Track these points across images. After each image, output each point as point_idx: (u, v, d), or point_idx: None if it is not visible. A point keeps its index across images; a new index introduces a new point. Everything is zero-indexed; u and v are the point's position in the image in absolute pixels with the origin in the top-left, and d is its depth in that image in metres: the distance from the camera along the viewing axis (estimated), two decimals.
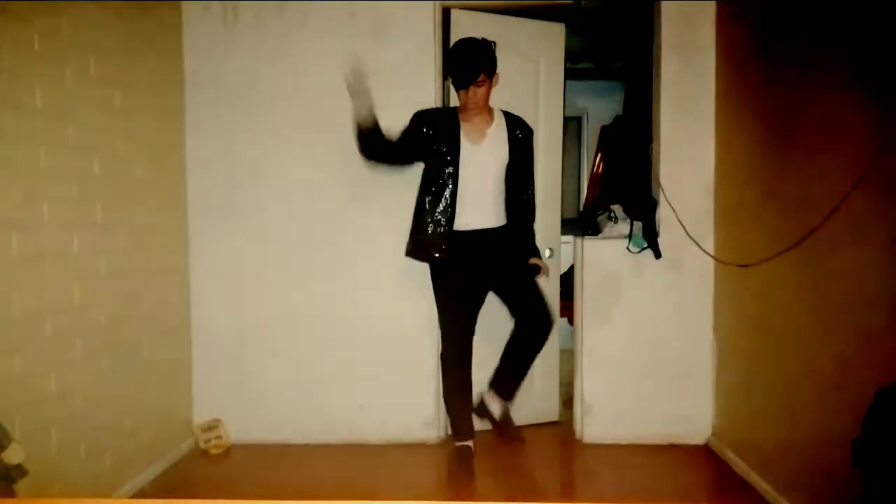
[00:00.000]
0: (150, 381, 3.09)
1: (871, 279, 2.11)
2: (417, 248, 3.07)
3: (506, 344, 3.12)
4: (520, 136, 3.06)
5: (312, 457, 3.37)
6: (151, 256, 3.13)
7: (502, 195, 3.06)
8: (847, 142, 2.24)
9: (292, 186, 3.50)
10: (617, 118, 4.44)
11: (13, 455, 1.91)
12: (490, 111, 3.05)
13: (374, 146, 3.00)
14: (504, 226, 3.08)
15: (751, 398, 3.03)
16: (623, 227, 3.49)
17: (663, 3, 3.41)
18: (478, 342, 3.14)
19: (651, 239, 3.42)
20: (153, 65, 3.18)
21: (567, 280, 3.80)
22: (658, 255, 3.41)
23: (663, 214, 3.42)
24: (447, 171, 2.97)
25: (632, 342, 3.49)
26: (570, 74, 4.05)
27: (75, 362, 2.55)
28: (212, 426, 3.46)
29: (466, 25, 3.41)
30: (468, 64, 2.88)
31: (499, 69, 2.95)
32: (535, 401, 3.67)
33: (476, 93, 2.90)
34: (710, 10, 3.39)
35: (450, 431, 3.29)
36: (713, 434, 3.44)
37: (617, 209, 3.56)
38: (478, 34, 2.98)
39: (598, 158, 4.87)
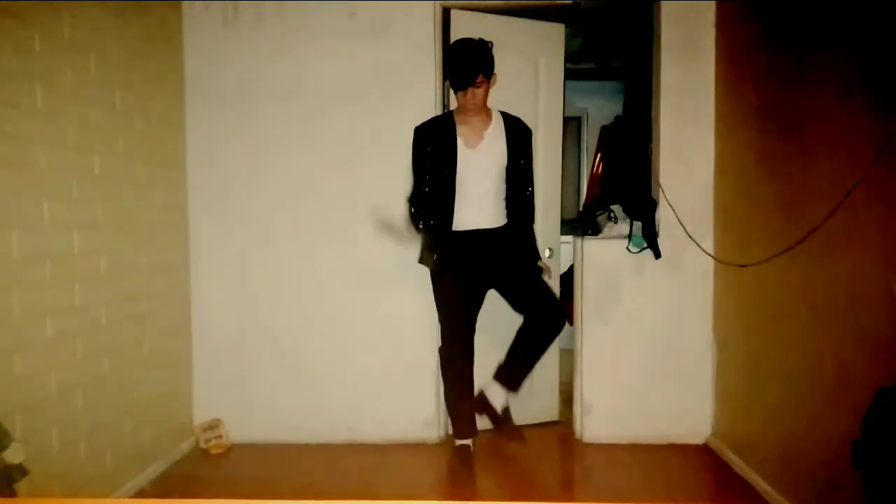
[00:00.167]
0: (150, 381, 3.09)
1: (870, 279, 2.11)
2: (422, 256, 3.12)
3: (515, 336, 3.09)
4: (518, 136, 3.06)
5: (312, 457, 3.37)
6: (151, 256, 3.13)
7: (502, 195, 3.06)
8: (847, 142, 2.24)
9: (293, 186, 3.50)
10: (617, 118, 4.45)
11: (13, 455, 1.91)
12: (488, 112, 3.05)
13: (425, 212, 3.04)
14: (504, 226, 3.08)
15: (751, 398, 3.03)
16: (623, 227, 3.49)
17: (663, 4, 3.41)
18: (478, 342, 3.14)
19: (651, 239, 3.42)
20: (153, 65, 3.19)
21: (567, 280, 3.80)
22: (658, 255, 3.41)
23: (663, 214, 3.43)
24: (444, 174, 2.98)
25: (632, 342, 3.49)
26: (569, 74, 4.05)
27: (75, 362, 2.55)
28: (212, 426, 3.47)
29: (466, 25, 3.41)
30: (466, 65, 2.87)
31: (498, 69, 2.94)
32: (534, 401, 3.67)
33: (474, 94, 2.90)
34: (710, 11, 3.39)
35: (450, 431, 3.29)
36: (713, 434, 3.44)
37: (617, 209, 3.56)
38: (478, 34, 2.97)
39: (597, 158, 4.86)
